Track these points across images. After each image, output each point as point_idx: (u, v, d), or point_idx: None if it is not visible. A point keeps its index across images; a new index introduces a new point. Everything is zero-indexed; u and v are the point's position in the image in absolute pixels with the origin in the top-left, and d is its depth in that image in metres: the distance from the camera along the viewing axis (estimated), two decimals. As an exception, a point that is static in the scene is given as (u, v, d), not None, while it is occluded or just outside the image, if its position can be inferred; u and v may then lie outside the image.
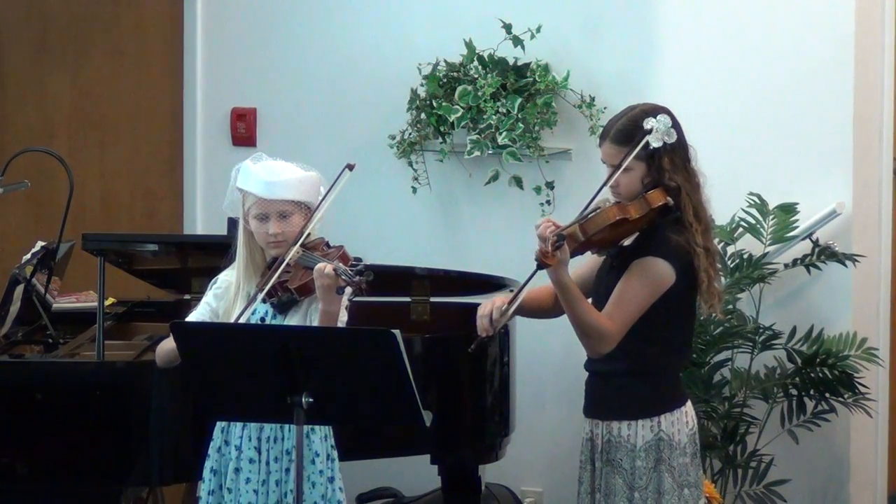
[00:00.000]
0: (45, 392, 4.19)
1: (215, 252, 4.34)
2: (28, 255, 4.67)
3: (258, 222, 3.84)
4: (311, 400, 3.47)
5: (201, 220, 5.94)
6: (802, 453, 5.27)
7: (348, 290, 3.68)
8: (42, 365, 4.40)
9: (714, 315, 4.06)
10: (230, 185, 3.90)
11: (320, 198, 3.84)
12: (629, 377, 3.87)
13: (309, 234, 3.82)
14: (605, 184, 3.83)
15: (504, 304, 3.86)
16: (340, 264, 3.65)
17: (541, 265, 3.69)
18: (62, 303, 5.09)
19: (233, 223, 4.09)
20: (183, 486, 5.17)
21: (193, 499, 5.20)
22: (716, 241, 4.09)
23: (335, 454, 3.93)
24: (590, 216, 3.78)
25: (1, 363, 4.39)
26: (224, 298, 3.89)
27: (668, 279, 3.81)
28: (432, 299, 5.03)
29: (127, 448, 4.21)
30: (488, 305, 3.88)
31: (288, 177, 3.83)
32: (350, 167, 3.79)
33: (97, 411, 4.20)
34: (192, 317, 3.90)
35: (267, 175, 3.82)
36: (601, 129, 3.96)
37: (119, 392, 4.23)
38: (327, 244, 3.85)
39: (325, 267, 3.65)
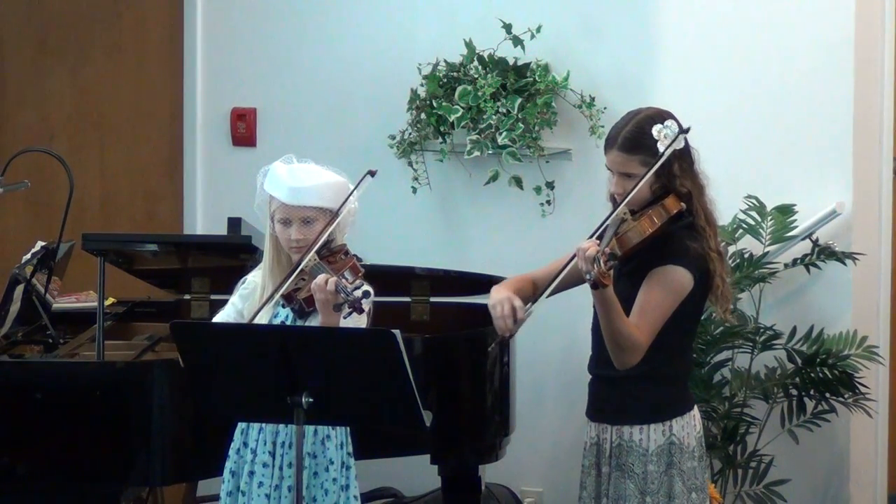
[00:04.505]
0: (45, 392, 4.18)
1: (215, 252, 4.35)
2: (28, 255, 4.66)
3: (282, 226, 3.82)
4: (311, 400, 3.47)
5: (201, 220, 5.93)
6: (802, 453, 5.27)
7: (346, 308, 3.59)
8: (42, 365, 4.40)
9: (722, 317, 4.03)
10: (258, 186, 3.88)
11: (339, 205, 3.79)
12: (643, 382, 3.81)
13: (333, 241, 3.79)
14: (626, 198, 3.72)
15: (523, 306, 3.75)
16: (343, 280, 3.61)
17: (600, 285, 3.57)
18: (62, 303, 5.08)
19: (233, 223, 4.08)
20: (183, 486, 5.17)
21: (193, 499, 5.21)
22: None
23: (351, 462, 3.91)
24: (625, 232, 3.71)
25: (1, 363, 4.39)
26: (250, 299, 3.88)
27: (689, 286, 3.76)
28: (432, 299, 5.03)
29: (127, 448, 4.20)
30: (506, 305, 3.77)
31: (313, 183, 3.80)
32: (371, 174, 3.76)
33: (97, 411, 4.19)
34: (219, 317, 3.90)
35: (292, 181, 3.79)
36: (606, 136, 3.87)
37: (119, 392, 4.22)
38: (346, 252, 3.81)
39: (324, 282, 3.63)
